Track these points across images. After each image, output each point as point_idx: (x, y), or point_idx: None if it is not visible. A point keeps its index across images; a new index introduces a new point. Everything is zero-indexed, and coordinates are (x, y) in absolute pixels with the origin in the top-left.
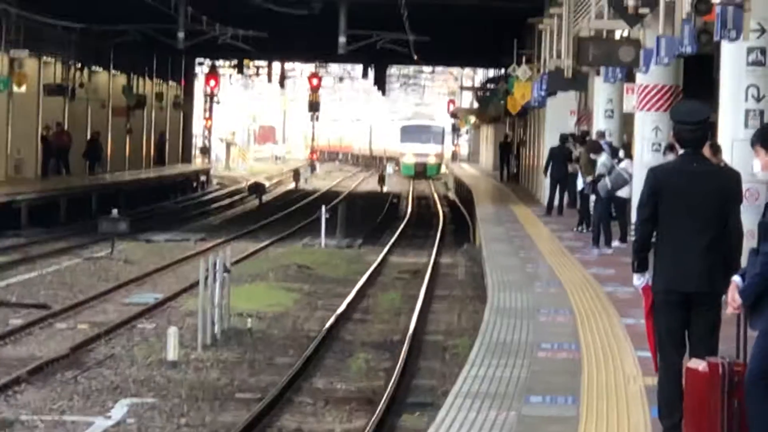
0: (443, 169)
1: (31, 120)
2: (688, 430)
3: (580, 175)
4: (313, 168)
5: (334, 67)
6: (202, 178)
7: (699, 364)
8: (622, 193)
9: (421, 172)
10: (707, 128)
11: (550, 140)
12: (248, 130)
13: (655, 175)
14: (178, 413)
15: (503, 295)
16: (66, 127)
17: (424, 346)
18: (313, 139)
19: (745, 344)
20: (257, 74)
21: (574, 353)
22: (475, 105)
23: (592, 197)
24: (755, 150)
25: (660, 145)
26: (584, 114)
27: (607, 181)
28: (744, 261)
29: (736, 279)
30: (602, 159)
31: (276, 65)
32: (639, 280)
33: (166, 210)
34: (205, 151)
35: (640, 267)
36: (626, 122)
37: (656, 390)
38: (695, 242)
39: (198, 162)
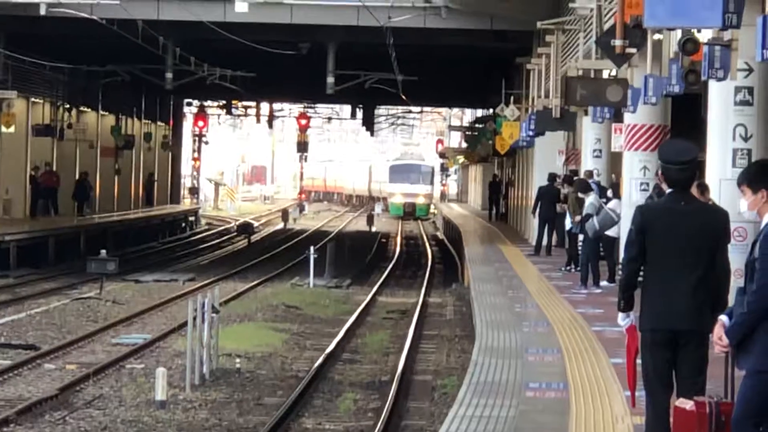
0: (432, 209)
1: (20, 160)
2: None
3: (568, 215)
4: (301, 208)
5: (323, 108)
6: (191, 218)
7: (686, 404)
8: (610, 232)
9: (410, 212)
10: (695, 168)
11: (538, 180)
12: (236, 171)
13: (642, 213)
14: None
15: (492, 335)
16: (54, 167)
17: (412, 386)
18: (302, 179)
19: (733, 383)
20: (246, 114)
21: (563, 392)
22: (464, 145)
23: (581, 237)
24: (741, 190)
25: (648, 184)
26: (572, 153)
27: (595, 222)
28: (731, 300)
29: (722, 318)
30: (590, 199)
31: (264, 105)
32: (624, 321)
33: (154, 250)
34: (194, 191)
35: (626, 306)
36: (614, 162)
37: (644, 429)
38: (683, 280)
39: (186, 202)
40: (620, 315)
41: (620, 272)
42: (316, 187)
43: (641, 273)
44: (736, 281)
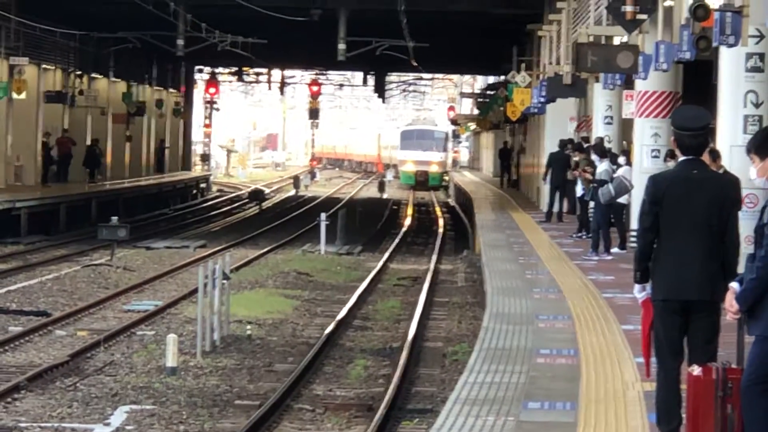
0: (446, 178)
1: (31, 127)
2: None
3: (579, 182)
4: (313, 175)
5: (334, 74)
6: (202, 185)
7: (694, 370)
8: (620, 199)
9: (422, 181)
10: (708, 134)
11: (549, 146)
12: (248, 138)
13: (655, 183)
14: (178, 420)
15: (502, 301)
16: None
17: (423, 353)
18: (313, 146)
19: (743, 349)
20: (257, 81)
21: (573, 359)
22: (475, 111)
23: (591, 204)
24: (750, 157)
25: (659, 151)
26: (584, 120)
27: (611, 188)
28: (741, 267)
29: (733, 285)
30: (604, 165)
31: (276, 72)
32: (640, 293)
33: (165, 217)
34: (205, 158)
35: (642, 278)
36: (625, 128)
37: (654, 396)
38: (695, 250)
39: (198, 169)
40: (636, 287)
41: (635, 243)
42: (348, 155)
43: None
44: (746, 248)
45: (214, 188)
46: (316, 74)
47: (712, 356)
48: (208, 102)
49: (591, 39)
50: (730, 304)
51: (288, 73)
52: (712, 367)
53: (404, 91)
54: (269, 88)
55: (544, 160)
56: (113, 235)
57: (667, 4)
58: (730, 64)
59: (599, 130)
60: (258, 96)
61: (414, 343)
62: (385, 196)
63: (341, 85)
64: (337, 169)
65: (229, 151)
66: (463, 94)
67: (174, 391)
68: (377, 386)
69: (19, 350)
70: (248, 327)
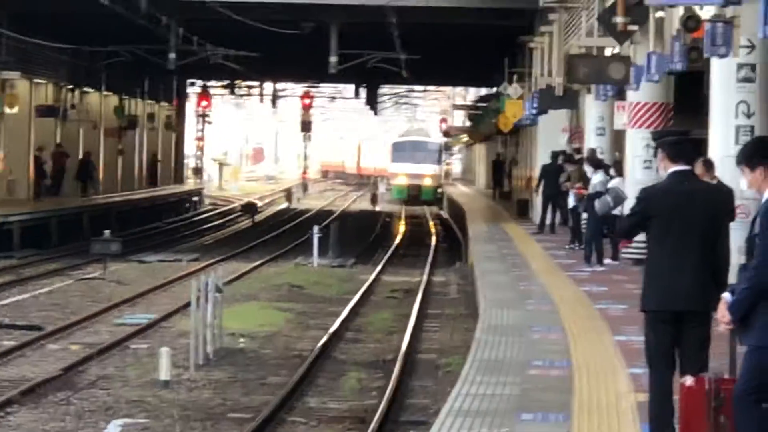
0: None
1: (23, 141)
2: None
3: (571, 193)
4: (305, 188)
5: (326, 87)
6: (195, 198)
7: (686, 380)
8: (614, 210)
9: (415, 195)
10: (688, 142)
11: (542, 158)
12: (241, 151)
13: (647, 196)
14: None
15: (495, 313)
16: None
17: (416, 365)
18: (306, 159)
19: (735, 360)
20: (249, 94)
21: (566, 370)
22: (467, 123)
23: (584, 215)
24: (741, 169)
25: (651, 162)
26: (576, 131)
27: (609, 199)
28: (732, 278)
29: (725, 296)
30: (599, 177)
31: (268, 85)
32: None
33: (158, 230)
34: (198, 171)
35: None
36: (617, 140)
37: (647, 407)
38: (687, 261)
39: (190, 182)
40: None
41: (627, 254)
42: (359, 168)
43: (645, 251)
44: (738, 258)
45: (207, 201)
46: (308, 87)
47: (703, 366)
48: (200, 115)
49: (582, 51)
50: (723, 314)
51: (280, 86)
52: (704, 377)
53: (396, 103)
54: (261, 101)
55: (537, 172)
56: (106, 249)
57: (658, 15)
58: (722, 74)
59: (591, 141)
60: (249, 109)
61: (407, 355)
62: (377, 208)
63: (333, 98)
64: (329, 182)
65: (221, 165)
66: (455, 106)
67: (167, 405)
68: (370, 398)
69: (11, 364)
70: (241, 340)
